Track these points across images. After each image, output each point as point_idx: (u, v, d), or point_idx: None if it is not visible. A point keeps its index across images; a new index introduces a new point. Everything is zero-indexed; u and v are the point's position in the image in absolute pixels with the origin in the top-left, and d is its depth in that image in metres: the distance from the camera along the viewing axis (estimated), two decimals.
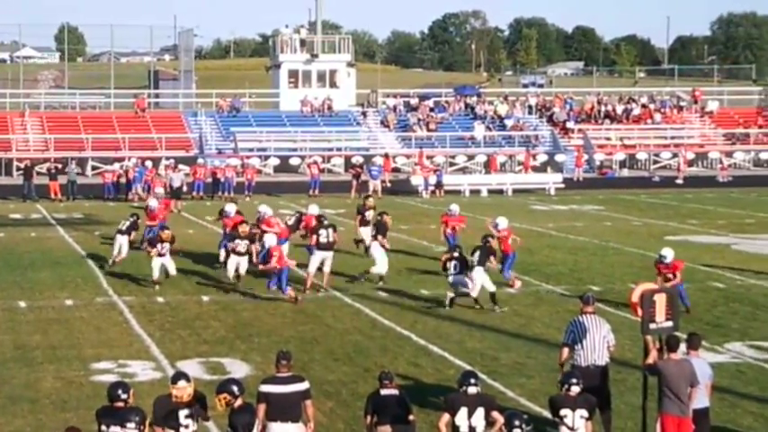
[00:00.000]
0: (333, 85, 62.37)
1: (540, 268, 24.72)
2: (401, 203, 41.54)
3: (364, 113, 60.45)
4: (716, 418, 12.97)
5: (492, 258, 20.69)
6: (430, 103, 62.13)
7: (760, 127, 62.18)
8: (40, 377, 15.76)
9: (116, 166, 46.40)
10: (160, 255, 22.40)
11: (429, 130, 58.56)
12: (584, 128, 59.92)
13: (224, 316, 20.22)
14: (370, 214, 26.24)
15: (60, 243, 30.38)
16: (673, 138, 60.04)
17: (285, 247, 25.54)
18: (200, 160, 47.65)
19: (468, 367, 14.92)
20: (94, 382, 15.30)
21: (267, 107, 63.87)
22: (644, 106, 63.24)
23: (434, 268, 25.25)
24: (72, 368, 16.27)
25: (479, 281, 20.28)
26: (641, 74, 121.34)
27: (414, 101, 62.22)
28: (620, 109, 62.42)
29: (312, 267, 22.54)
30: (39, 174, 45.21)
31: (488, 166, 53.11)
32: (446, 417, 10.61)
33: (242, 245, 22.61)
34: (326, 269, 22.66)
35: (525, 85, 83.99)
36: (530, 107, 62.85)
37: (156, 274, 22.46)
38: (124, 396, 10.05)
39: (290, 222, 25.81)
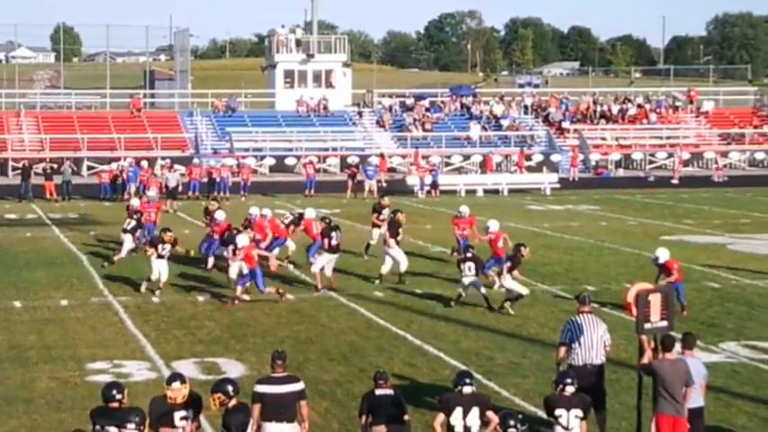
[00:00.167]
0: (328, 85, 62.29)
1: (536, 268, 24.71)
2: (397, 203, 41.39)
3: (360, 113, 60.42)
4: (710, 417, 12.99)
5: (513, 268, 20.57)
6: (426, 103, 62.10)
7: (755, 127, 62.22)
8: (35, 377, 15.74)
9: (112, 165, 46.37)
10: (160, 256, 22.39)
11: (425, 130, 58.56)
12: (580, 128, 59.93)
13: (219, 316, 20.20)
14: (386, 213, 26.26)
15: (56, 243, 30.35)
16: (668, 138, 60.08)
17: (291, 246, 25.66)
18: (195, 160, 47.67)
19: (464, 367, 14.92)
20: (90, 383, 15.27)
21: (263, 107, 63.76)
22: (639, 106, 63.30)
23: (430, 268, 25.29)
24: (67, 368, 16.25)
25: (509, 286, 20.30)
26: (637, 74, 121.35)
27: (409, 101, 62.17)
28: (615, 109, 62.42)
29: (317, 268, 22.64)
30: (34, 174, 45.14)
31: (484, 166, 53.19)
32: (441, 416, 10.61)
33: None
34: (329, 272, 22.72)
35: (521, 86, 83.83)
36: (525, 107, 62.87)
37: (155, 275, 22.45)
38: (119, 396, 10.01)
39: (286, 221, 25.83)
